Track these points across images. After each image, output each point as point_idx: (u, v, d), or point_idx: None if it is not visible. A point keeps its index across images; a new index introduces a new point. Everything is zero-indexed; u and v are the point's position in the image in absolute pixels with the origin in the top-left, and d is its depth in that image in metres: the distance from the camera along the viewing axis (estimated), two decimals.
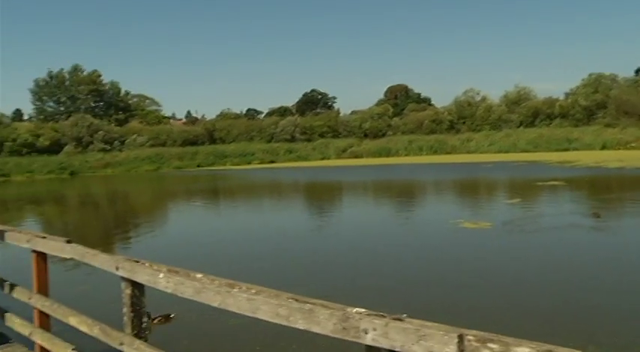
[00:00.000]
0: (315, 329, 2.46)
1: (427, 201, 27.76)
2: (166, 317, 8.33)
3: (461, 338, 2.01)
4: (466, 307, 8.96)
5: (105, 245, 16.47)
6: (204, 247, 15.92)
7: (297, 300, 2.59)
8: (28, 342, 5.30)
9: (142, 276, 3.60)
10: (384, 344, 2.22)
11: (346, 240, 16.37)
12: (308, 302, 2.52)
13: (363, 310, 2.37)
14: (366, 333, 2.26)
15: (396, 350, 2.20)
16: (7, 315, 5.66)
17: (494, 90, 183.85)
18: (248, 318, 7.87)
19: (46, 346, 4.99)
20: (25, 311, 5.60)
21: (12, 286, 5.58)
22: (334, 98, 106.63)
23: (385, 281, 10.98)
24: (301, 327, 2.51)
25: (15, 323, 5.38)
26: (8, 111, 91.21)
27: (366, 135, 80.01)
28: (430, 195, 30.91)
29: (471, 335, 2.01)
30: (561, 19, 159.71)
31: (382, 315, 2.28)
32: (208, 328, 8.20)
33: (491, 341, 1.96)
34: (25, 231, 5.43)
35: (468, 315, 8.26)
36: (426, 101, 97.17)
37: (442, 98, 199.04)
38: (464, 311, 8.64)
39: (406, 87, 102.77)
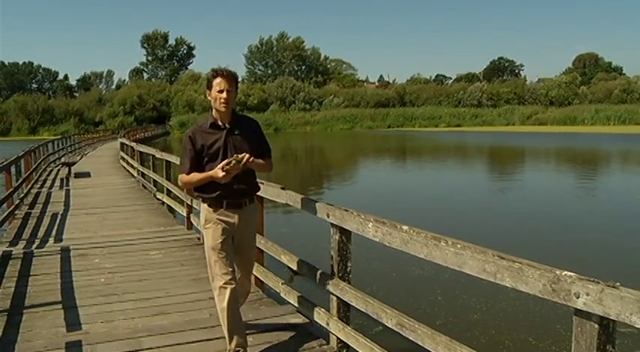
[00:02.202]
0: (522, 288, 2.34)
1: (613, 171, 25.33)
2: None
3: None
4: None
5: (300, 192, 17.08)
6: (390, 201, 15.97)
7: (503, 258, 2.48)
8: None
9: (351, 224, 3.68)
10: (596, 310, 2.05)
11: (536, 204, 15.42)
12: (515, 261, 2.40)
13: (573, 273, 2.21)
14: (578, 297, 2.10)
15: (610, 317, 2.02)
16: None
17: None
18: (428, 270, 7.84)
19: (261, 278, 5.39)
20: None
21: None
22: (521, 66, 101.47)
23: (590, 250, 10.04)
24: (508, 285, 2.40)
25: None
26: None
27: (551, 103, 75.47)
28: (617, 164, 28.14)
29: None
30: None
31: (595, 281, 2.11)
32: (393, 277, 8.30)
33: None
34: None
35: None
36: (617, 70, 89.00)
37: (636, 67, 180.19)
38: None
39: (596, 56, 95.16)
